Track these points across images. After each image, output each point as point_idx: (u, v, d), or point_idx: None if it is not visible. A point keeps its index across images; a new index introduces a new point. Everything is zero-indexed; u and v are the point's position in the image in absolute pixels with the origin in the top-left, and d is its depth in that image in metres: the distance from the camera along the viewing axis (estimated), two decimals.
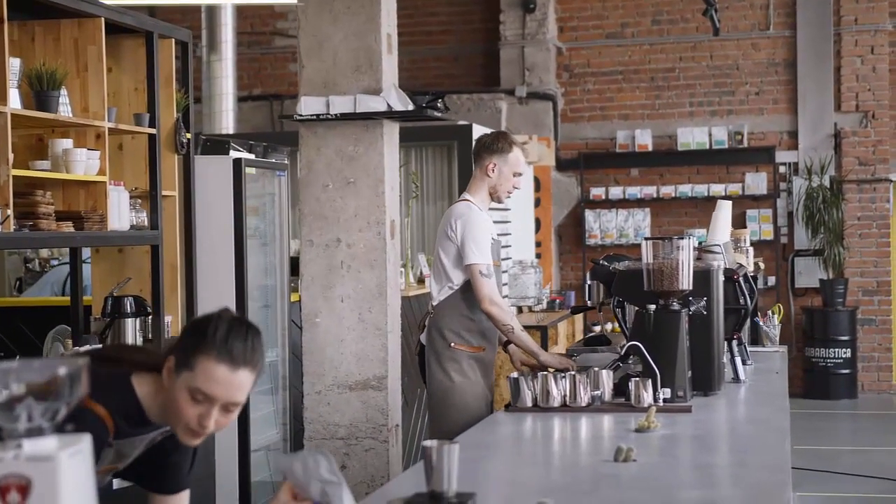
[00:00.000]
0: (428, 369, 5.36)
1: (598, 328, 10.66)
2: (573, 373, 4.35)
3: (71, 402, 1.77)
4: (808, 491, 8.22)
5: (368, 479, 5.74)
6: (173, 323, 5.92)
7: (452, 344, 5.26)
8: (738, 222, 12.43)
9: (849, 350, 12.37)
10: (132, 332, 5.51)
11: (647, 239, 4.50)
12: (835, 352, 12.34)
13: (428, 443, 2.72)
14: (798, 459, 8.85)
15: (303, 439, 5.94)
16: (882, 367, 12.76)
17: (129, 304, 5.52)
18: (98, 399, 2.66)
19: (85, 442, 1.77)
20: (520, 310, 10.37)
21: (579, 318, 11.07)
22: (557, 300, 11.01)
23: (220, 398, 2.64)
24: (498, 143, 5.34)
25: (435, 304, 5.34)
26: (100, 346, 4.98)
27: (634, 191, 13.00)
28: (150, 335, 5.70)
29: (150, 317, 5.68)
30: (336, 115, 5.67)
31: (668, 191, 12.92)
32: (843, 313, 12.40)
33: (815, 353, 12.43)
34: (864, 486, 8.48)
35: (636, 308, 4.57)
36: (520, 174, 5.37)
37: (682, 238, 4.46)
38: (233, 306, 6.32)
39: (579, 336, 10.52)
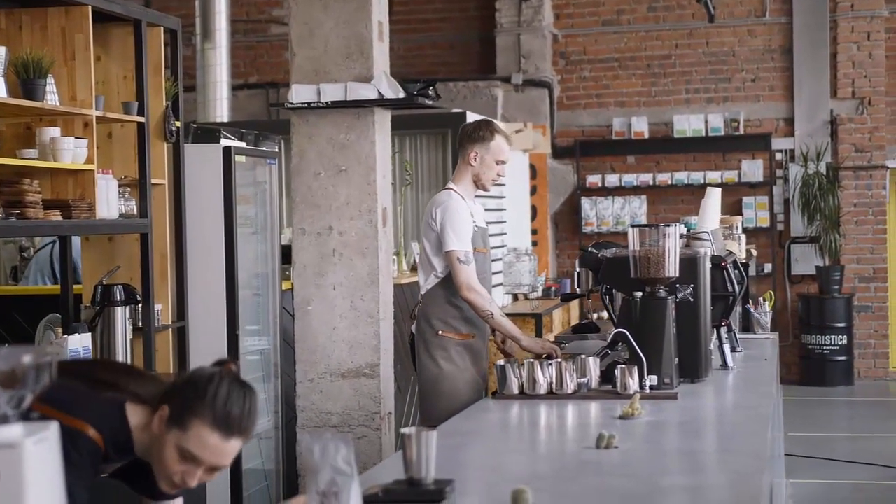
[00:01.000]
0: (417, 358, 5.39)
1: (594, 316, 10.66)
2: (559, 360, 4.36)
3: (36, 390, 1.78)
4: (802, 478, 8.23)
5: (361, 466, 5.71)
6: (163, 311, 5.93)
7: (440, 332, 5.28)
8: (734, 209, 12.43)
9: (845, 337, 12.37)
10: (122, 320, 5.51)
11: (633, 226, 4.51)
12: (831, 339, 12.35)
13: (406, 430, 2.74)
14: (793, 446, 8.86)
15: (295, 427, 5.95)
16: (878, 354, 12.77)
17: (118, 293, 5.52)
18: (92, 423, 2.67)
19: (51, 430, 1.77)
20: (515, 297, 10.39)
21: (575, 305, 11.09)
22: (553, 288, 11.02)
23: (208, 463, 2.66)
24: (479, 131, 5.35)
25: (422, 292, 5.37)
26: (97, 360, 4.94)
27: (631, 178, 12.99)
28: (139, 323, 5.70)
29: (139, 305, 5.68)
30: (327, 102, 5.67)
31: (664, 178, 12.91)
32: (839, 300, 12.41)
33: (811, 340, 12.43)
34: (859, 472, 8.49)
35: (623, 295, 4.58)
36: (503, 162, 5.37)
37: (669, 226, 4.46)
38: (223, 294, 6.33)
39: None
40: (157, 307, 5.85)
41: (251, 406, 2.69)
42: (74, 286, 5.87)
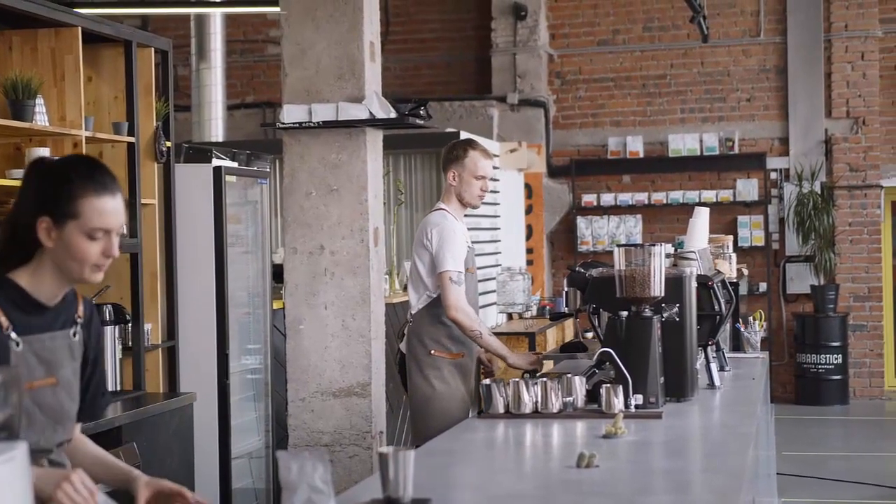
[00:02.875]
0: (409, 377, 5.42)
1: (590, 335, 10.66)
2: (545, 379, 4.36)
3: (4, 410, 1.79)
4: (794, 497, 8.23)
5: (352, 485, 5.74)
6: (153, 331, 5.94)
7: (432, 351, 5.32)
8: (729, 228, 12.47)
9: (840, 356, 12.38)
10: (111, 339, 5.52)
11: (619, 246, 4.52)
12: (826, 358, 12.35)
13: (383, 449, 2.75)
14: (787, 465, 8.86)
15: (287, 447, 5.95)
16: (873, 373, 12.77)
17: (108, 312, 5.53)
18: None
19: (19, 450, 1.79)
20: (509, 317, 10.39)
21: (570, 324, 11.09)
22: (548, 307, 11.02)
23: (114, 227, 2.79)
24: (454, 151, 5.44)
25: (413, 312, 5.41)
26: None
27: (626, 197, 13.02)
28: (129, 343, 5.71)
29: (129, 324, 5.70)
30: (318, 122, 5.69)
31: (659, 197, 12.94)
32: (834, 319, 12.41)
33: (806, 359, 12.43)
34: (853, 491, 8.49)
35: (609, 314, 4.59)
36: (482, 177, 5.42)
37: (654, 245, 4.47)
38: (214, 313, 6.35)
39: None
40: (147, 327, 5.86)
41: (105, 167, 2.85)
42: None
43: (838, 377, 12.40)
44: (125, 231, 4.72)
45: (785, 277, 12.86)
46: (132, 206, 5.73)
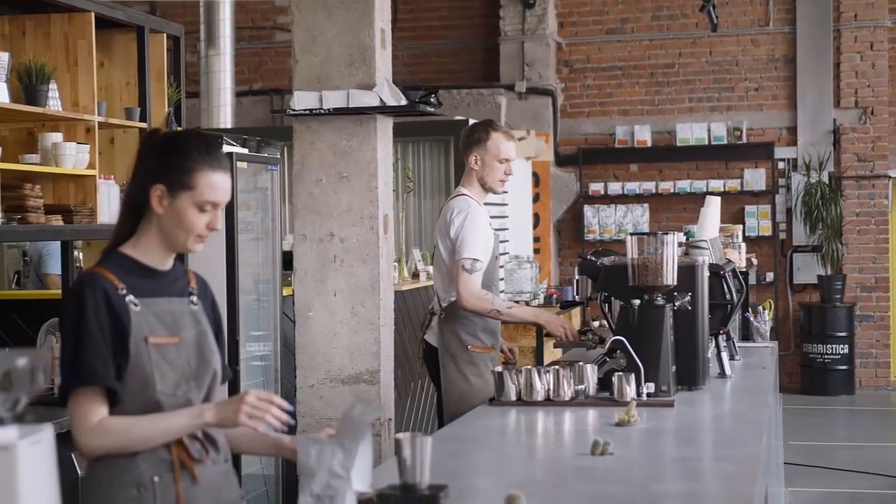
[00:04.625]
0: (444, 371, 5.33)
1: (596, 324, 10.65)
2: (557, 367, 4.37)
3: (31, 392, 1.80)
4: (801, 486, 8.24)
5: None
6: None
7: (470, 346, 5.24)
8: (737, 218, 12.46)
9: (846, 346, 12.38)
10: None
11: (631, 234, 4.51)
12: (832, 348, 12.35)
13: (400, 435, 2.75)
14: (793, 455, 8.87)
15: (295, 433, 5.96)
16: (880, 363, 12.77)
17: None
18: (97, 266, 2.88)
19: (46, 432, 1.79)
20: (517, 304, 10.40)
21: (578, 312, 11.09)
22: (555, 295, 11.01)
23: (223, 201, 2.90)
24: (475, 133, 5.35)
25: (444, 304, 5.31)
26: None
27: (633, 186, 13.02)
28: None
29: None
30: (329, 109, 5.68)
31: (666, 186, 12.94)
32: (841, 309, 12.41)
33: (812, 349, 12.44)
34: (859, 481, 8.50)
35: (621, 303, 4.59)
36: (505, 160, 5.33)
37: (667, 234, 4.47)
38: (224, 299, 6.34)
39: None
40: None
41: (217, 140, 2.98)
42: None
43: (844, 367, 12.40)
44: None
45: (792, 267, 12.86)
46: None
